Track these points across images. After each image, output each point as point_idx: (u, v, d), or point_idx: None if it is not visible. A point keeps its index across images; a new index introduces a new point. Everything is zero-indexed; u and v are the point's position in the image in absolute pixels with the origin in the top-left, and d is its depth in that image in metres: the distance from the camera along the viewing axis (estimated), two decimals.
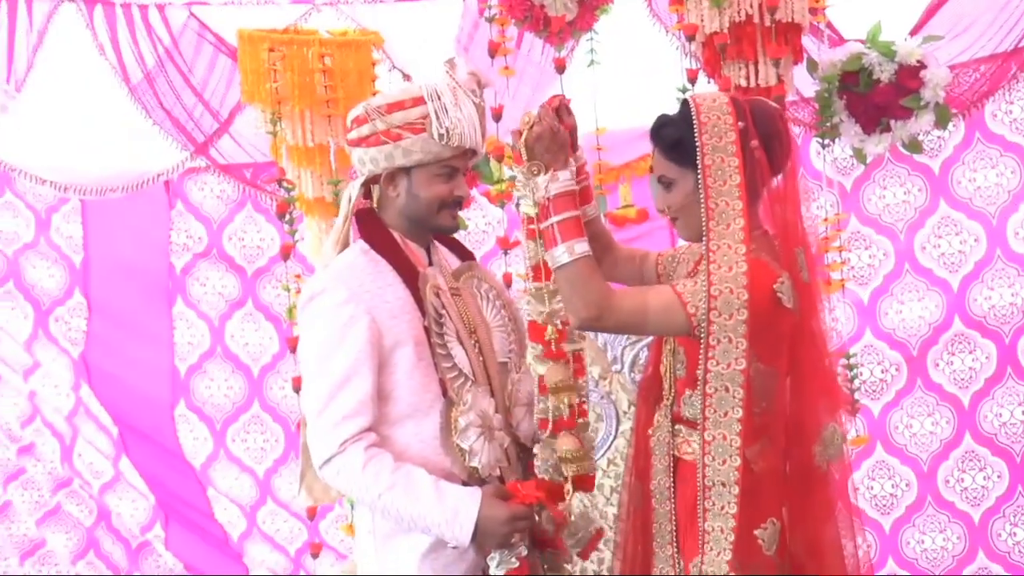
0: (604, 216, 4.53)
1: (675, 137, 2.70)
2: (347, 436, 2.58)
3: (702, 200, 2.64)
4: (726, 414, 2.61)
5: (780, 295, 2.64)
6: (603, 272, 2.77)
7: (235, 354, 5.74)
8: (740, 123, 2.64)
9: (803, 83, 4.40)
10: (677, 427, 2.76)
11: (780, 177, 2.73)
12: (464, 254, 2.91)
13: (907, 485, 5.15)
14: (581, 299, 2.61)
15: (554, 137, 2.65)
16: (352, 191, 2.77)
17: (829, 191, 4.69)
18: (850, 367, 4.33)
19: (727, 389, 2.60)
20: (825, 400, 2.75)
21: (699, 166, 2.64)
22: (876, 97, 4.19)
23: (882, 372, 5.13)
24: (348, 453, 2.57)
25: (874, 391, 5.14)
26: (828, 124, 4.29)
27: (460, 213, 2.81)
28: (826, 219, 4.48)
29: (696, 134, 2.64)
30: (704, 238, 2.64)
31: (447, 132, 2.65)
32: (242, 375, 5.75)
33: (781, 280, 2.65)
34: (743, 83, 4.10)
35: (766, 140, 2.67)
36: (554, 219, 2.60)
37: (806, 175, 5.03)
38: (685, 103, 2.72)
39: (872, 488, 5.16)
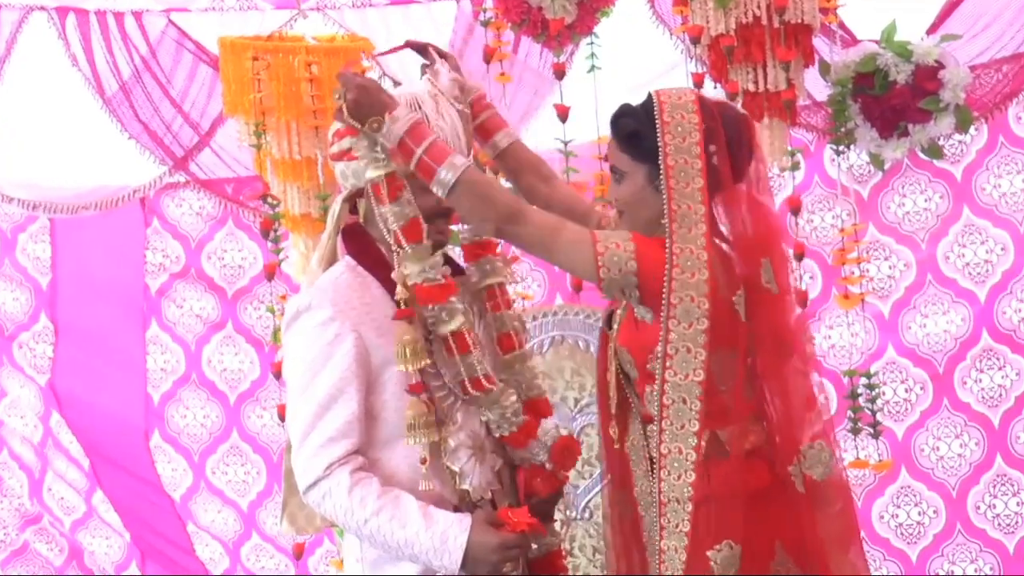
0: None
1: (632, 128, 2.80)
2: (333, 459, 2.64)
3: (664, 201, 2.72)
4: (683, 427, 2.69)
5: (737, 309, 2.74)
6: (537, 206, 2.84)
7: (211, 380, 5.84)
8: (704, 124, 2.73)
9: (815, 86, 4.49)
10: (649, 428, 2.82)
11: (742, 184, 2.82)
12: (455, 268, 2.95)
13: (935, 512, 5.20)
14: (489, 205, 2.65)
15: (369, 91, 2.63)
16: (336, 206, 2.83)
17: (845, 200, 4.78)
18: (871, 386, 4.46)
19: (684, 401, 2.69)
20: (805, 415, 2.81)
21: (661, 166, 2.73)
22: (892, 99, 4.29)
23: (906, 391, 5.19)
24: (334, 476, 2.63)
25: (898, 412, 5.22)
26: (843, 129, 4.38)
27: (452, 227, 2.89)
28: (843, 230, 4.58)
29: (659, 133, 2.74)
30: (667, 241, 2.72)
31: None
32: (218, 403, 5.84)
33: (739, 295, 2.75)
34: (751, 87, 4.21)
35: (731, 145, 2.77)
36: (418, 151, 2.61)
37: (820, 182, 5.21)
38: (650, 97, 2.81)
39: (897, 516, 5.22)
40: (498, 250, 2.95)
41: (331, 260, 2.84)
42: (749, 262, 2.78)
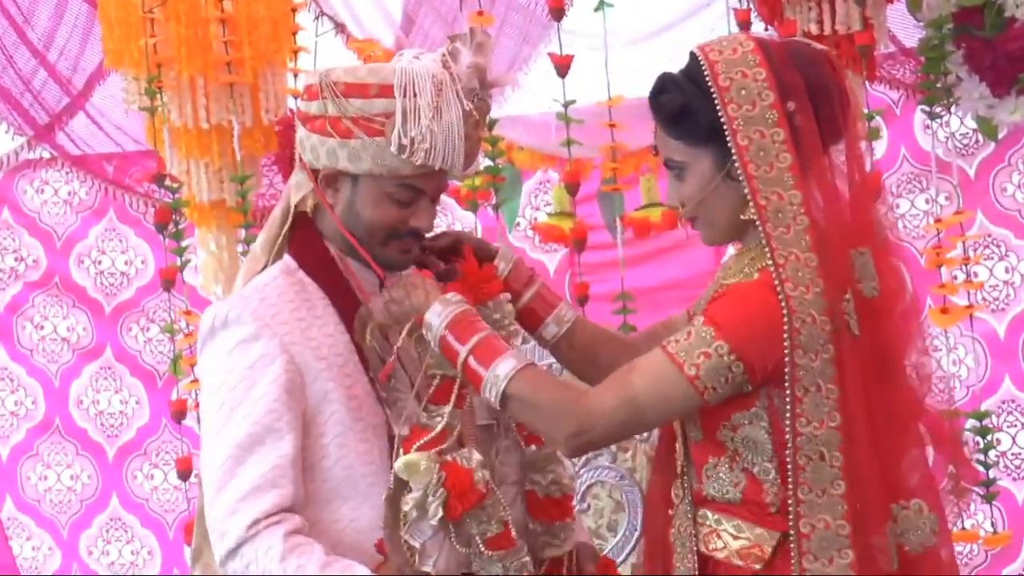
0: (620, 220, 4.82)
1: (678, 104, 2.82)
2: (258, 515, 2.70)
3: (747, 195, 2.75)
4: (824, 491, 2.73)
5: (847, 318, 2.77)
6: None
7: (82, 428, 5.91)
8: (776, 78, 2.75)
9: (901, 28, 4.57)
10: (701, 512, 2.88)
11: (838, 149, 2.85)
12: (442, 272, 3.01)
13: None
14: (547, 421, 2.79)
15: (402, 299, 2.87)
16: (298, 180, 2.93)
17: (944, 180, 4.79)
18: (982, 432, 4.55)
19: (822, 456, 2.73)
20: (906, 466, 2.86)
21: (731, 146, 2.75)
22: (1009, 42, 4.37)
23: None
24: (260, 539, 2.70)
25: (1018, 467, 5.36)
26: (940, 85, 4.46)
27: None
28: (939, 219, 4.64)
29: (718, 104, 2.76)
30: (767, 250, 2.75)
31: (410, 144, 2.78)
32: (91, 459, 5.93)
33: (847, 299, 2.78)
34: (814, 29, 4.26)
35: (815, 96, 2.78)
36: (463, 351, 2.79)
37: (908, 156, 5.28)
38: (693, 57, 2.82)
39: None
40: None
41: (280, 253, 2.97)
42: (838, 255, 2.79)
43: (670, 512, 2.96)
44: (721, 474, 2.84)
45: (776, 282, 2.71)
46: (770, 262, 2.74)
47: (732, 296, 2.82)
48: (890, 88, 5.00)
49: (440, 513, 2.76)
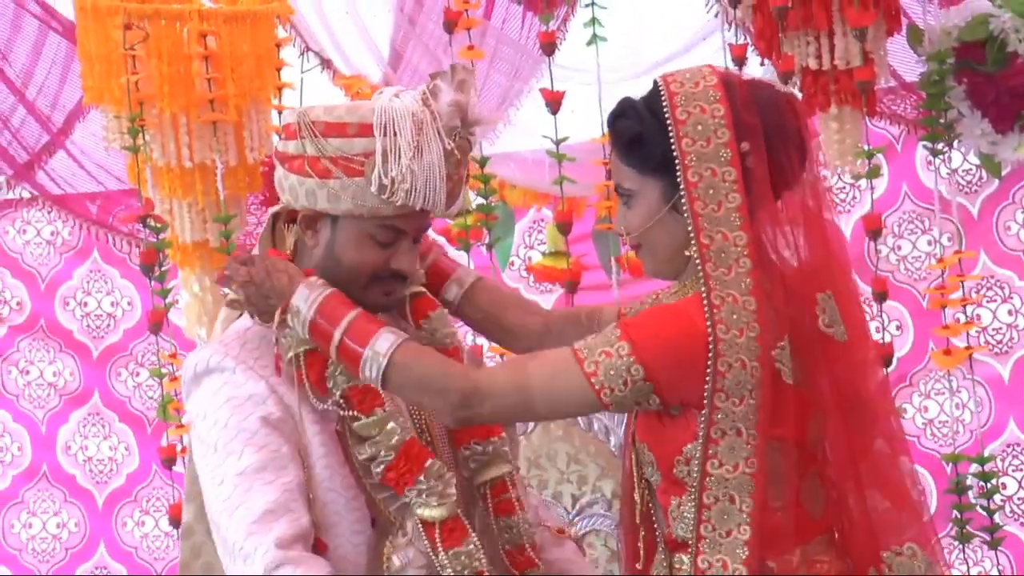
0: (615, 260, 4.70)
1: (634, 132, 2.80)
2: (281, 536, 2.70)
3: (691, 232, 2.73)
4: (729, 532, 2.73)
5: (779, 366, 2.76)
6: (542, 337, 2.99)
7: (70, 475, 5.84)
8: (733, 116, 2.73)
9: (902, 62, 4.47)
10: (676, 557, 2.84)
11: (793, 193, 2.83)
12: (421, 309, 3.04)
13: None
14: (433, 394, 2.77)
15: (258, 284, 2.82)
16: (267, 224, 2.95)
17: (946, 218, 4.73)
18: (985, 476, 4.46)
19: (732, 499, 2.73)
20: (892, 517, 2.83)
21: (680, 182, 2.74)
22: (1012, 78, 4.30)
23: None
24: (300, 560, 2.71)
25: None
26: (941, 121, 4.38)
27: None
28: (941, 259, 4.56)
29: (672, 136, 2.74)
30: (704, 289, 2.74)
31: (391, 184, 2.77)
32: (80, 507, 5.86)
33: (781, 346, 2.76)
34: (813, 64, 4.18)
35: (771, 139, 2.76)
36: (336, 333, 2.76)
37: (910, 194, 5.19)
38: (655, 86, 2.80)
39: None
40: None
41: None
42: (798, 298, 2.79)
43: (637, 566, 2.95)
44: (686, 513, 2.79)
45: (708, 322, 2.70)
46: (705, 300, 2.72)
47: (654, 310, 2.84)
48: (891, 124, 4.92)
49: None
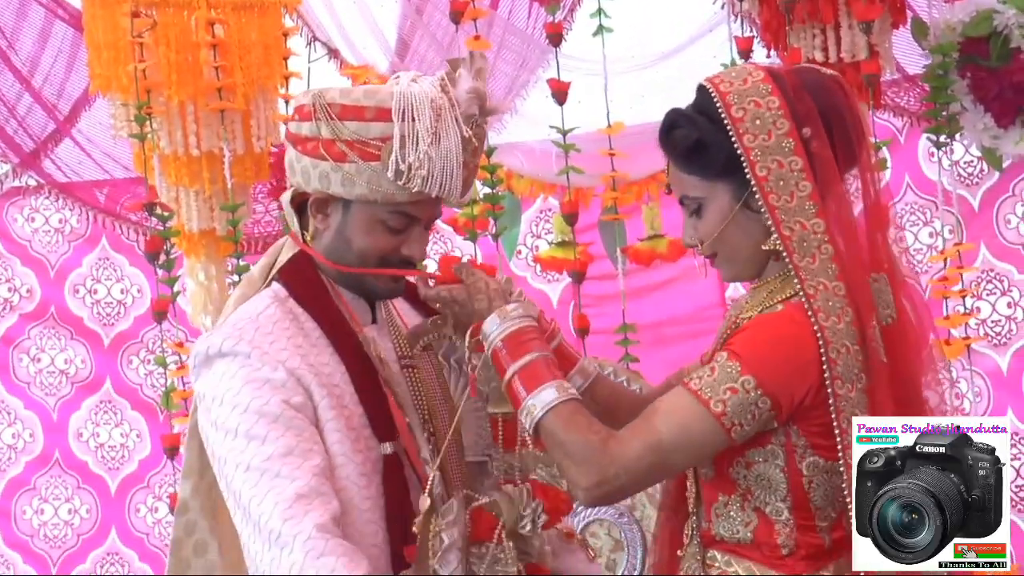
0: (622, 251, 4.70)
1: (693, 139, 2.78)
2: (319, 520, 2.62)
3: (771, 226, 2.72)
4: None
5: (875, 345, 2.72)
6: None
7: (82, 461, 5.81)
8: (789, 105, 2.73)
9: (907, 55, 4.46)
10: (710, 554, 2.82)
11: (851, 175, 2.83)
12: (428, 306, 2.97)
13: None
14: (571, 465, 2.72)
15: (465, 302, 2.84)
16: (287, 208, 2.89)
17: (947, 210, 4.73)
18: None
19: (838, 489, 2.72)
20: None
21: (750, 178, 2.72)
22: (1015, 73, 4.29)
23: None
24: (334, 544, 2.63)
25: (1023, 499, 5.25)
26: (944, 114, 4.36)
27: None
28: (943, 251, 4.55)
29: (733, 135, 2.73)
30: (794, 280, 2.72)
31: (408, 170, 2.73)
32: (92, 493, 5.84)
33: (873, 325, 2.73)
34: (818, 56, 4.16)
35: (827, 123, 2.75)
36: (511, 369, 2.76)
37: (912, 185, 5.15)
38: (702, 90, 2.79)
39: None
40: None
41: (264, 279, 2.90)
42: (856, 282, 2.75)
43: (679, 553, 2.90)
44: (732, 513, 2.77)
45: (809, 312, 2.67)
46: (792, 293, 2.72)
47: (756, 328, 2.76)
48: (894, 116, 4.90)
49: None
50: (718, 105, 2.74)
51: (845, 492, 2.66)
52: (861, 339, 2.69)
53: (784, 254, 2.71)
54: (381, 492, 2.76)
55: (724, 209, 2.78)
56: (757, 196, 2.72)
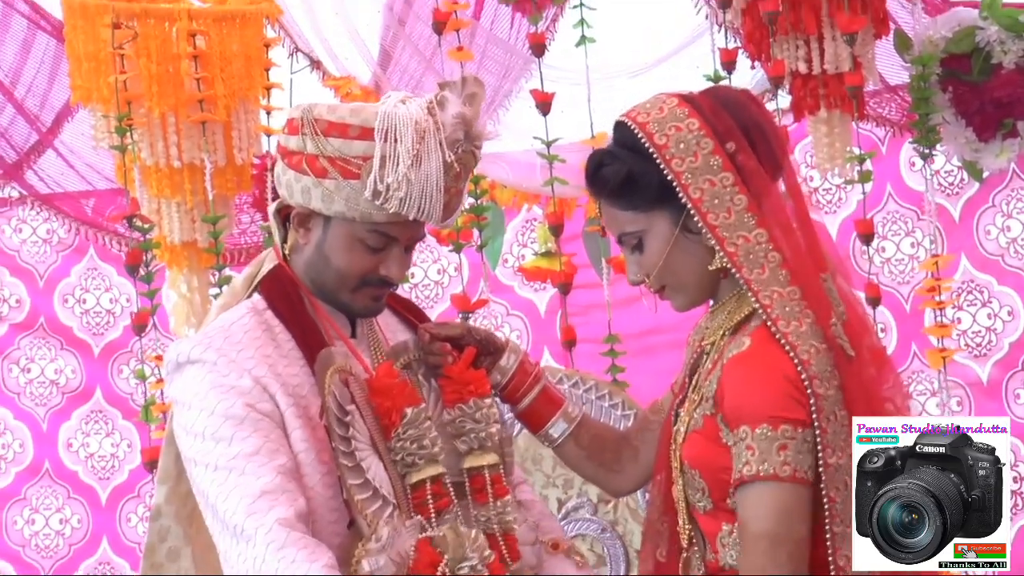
0: (606, 262, 4.59)
1: (623, 174, 2.76)
2: (282, 516, 2.59)
3: (715, 246, 2.70)
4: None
5: (840, 342, 2.70)
6: (636, 466, 2.97)
7: (72, 471, 5.75)
8: (708, 125, 2.72)
9: (887, 65, 4.41)
10: None
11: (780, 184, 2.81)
12: (413, 319, 2.98)
13: None
14: None
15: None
16: (273, 221, 2.86)
17: (928, 220, 4.64)
18: None
19: (846, 485, 2.66)
20: None
21: (685, 201, 2.70)
22: (996, 89, 4.25)
23: (1016, 482, 5.20)
24: (301, 540, 2.59)
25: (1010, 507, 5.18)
26: (926, 126, 4.31)
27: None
28: (926, 263, 4.48)
29: (659, 161, 2.71)
30: (749, 295, 2.70)
31: (385, 190, 2.69)
32: (83, 503, 5.78)
33: (833, 323, 2.71)
34: (802, 68, 4.13)
35: (748, 136, 2.74)
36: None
37: (894, 194, 5.11)
38: (620, 126, 2.78)
39: None
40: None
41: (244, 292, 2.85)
42: (809, 284, 2.74)
43: None
44: (739, 540, 2.72)
45: (768, 323, 2.68)
46: (750, 311, 2.73)
47: (748, 382, 2.71)
48: (876, 126, 4.87)
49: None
50: (640, 136, 2.73)
51: (825, 492, 2.66)
52: (826, 337, 2.68)
53: (733, 270, 2.71)
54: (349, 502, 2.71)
55: (665, 237, 2.77)
56: (695, 218, 2.71)
